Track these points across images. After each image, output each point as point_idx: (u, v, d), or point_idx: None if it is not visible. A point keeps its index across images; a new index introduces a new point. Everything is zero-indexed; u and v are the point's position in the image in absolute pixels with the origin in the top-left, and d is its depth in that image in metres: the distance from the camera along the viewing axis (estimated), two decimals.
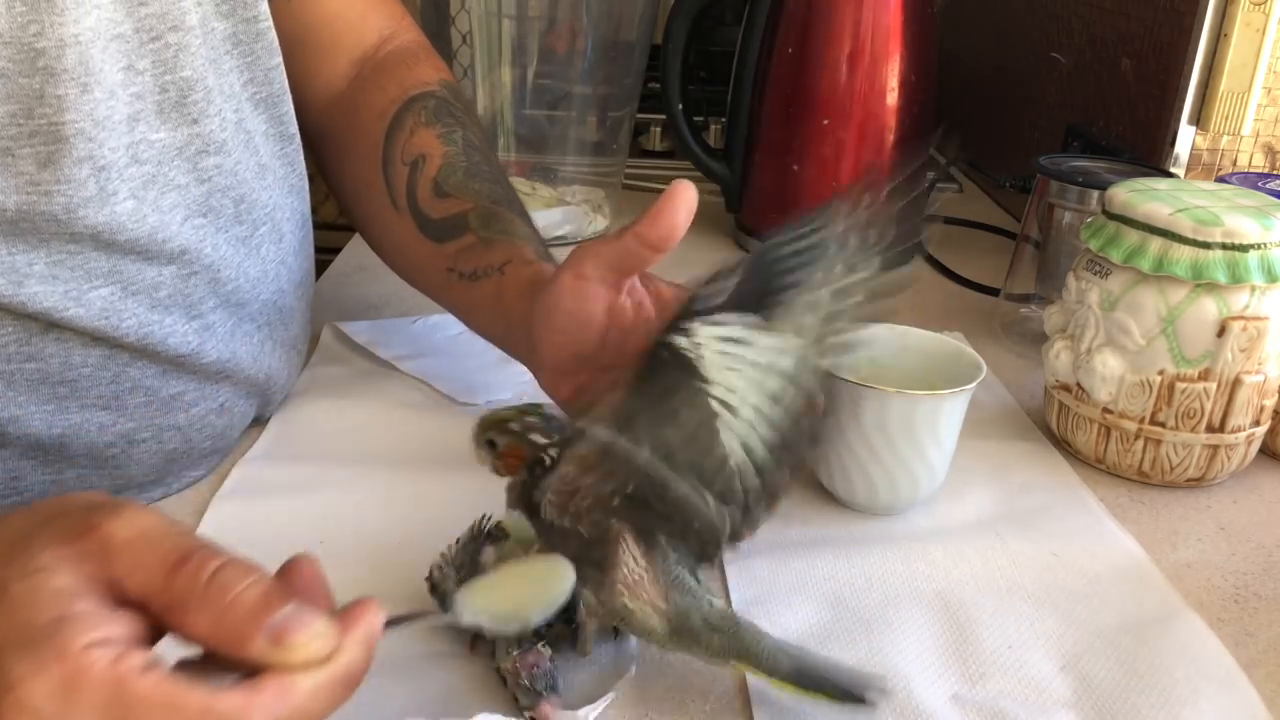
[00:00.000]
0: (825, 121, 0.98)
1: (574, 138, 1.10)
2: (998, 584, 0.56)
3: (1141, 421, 0.65)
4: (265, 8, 0.62)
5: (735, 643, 0.43)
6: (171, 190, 0.55)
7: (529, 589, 0.41)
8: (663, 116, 1.14)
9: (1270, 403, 0.66)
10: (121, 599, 0.33)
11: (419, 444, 0.67)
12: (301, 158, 0.67)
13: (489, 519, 0.51)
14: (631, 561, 0.43)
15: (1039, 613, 0.54)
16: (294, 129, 0.66)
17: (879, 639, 0.51)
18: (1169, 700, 0.48)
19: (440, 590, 0.47)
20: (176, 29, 0.54)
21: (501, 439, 0.46)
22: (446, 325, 0.81)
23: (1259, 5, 0.83)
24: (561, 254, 0.61)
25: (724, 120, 1.12)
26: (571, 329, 0.56)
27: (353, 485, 0.62)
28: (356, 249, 1.03)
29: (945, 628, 0.52)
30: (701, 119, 1.25)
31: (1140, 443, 0.66)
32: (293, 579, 0.35)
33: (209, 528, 0.58)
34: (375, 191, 0.70)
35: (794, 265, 0.46)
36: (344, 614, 0.34)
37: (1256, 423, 0.65)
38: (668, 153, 1.37)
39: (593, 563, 0.43)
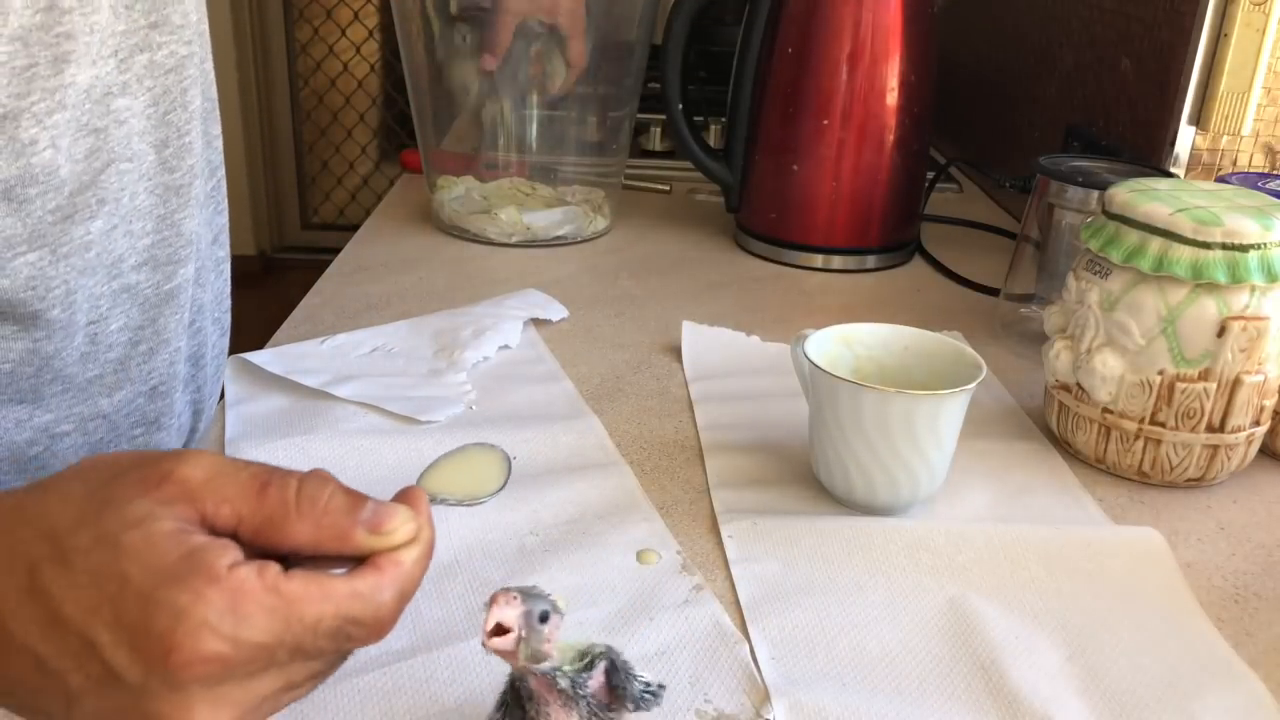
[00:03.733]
0: (825, 121, 0.98)
1: (574, 138, 1.10)
2: (1002, 571, 0.56)
3: (1141, 421, 0.65)
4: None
5: None
6: (91, 134, 0.52)
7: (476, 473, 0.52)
8: (663, 116, 1.14)
9: (1270, 403, 0.66)
10: (214, 531, 0.35)
11: (409, 470, 0.64)
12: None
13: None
14: None
15: (1044, 602, 0.54)
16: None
17: (887, 637, 0.51)
18: (1175, 692, 0.48)
19: None
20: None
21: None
22: (356, 344, 0.79)
23: (1259, 5, 0.83)
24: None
25: (724, 120, 1.12)
26: None
27: None
28: (356, 249, 1.04)
29: (953, 621, 0.52)
30: (701, 119, 1.25)
31: (1140, 443, 0.66)
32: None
33: None
34: None
35: None
36: (403, 498, 0.39)
37: (1256, 423, 0.65)
38: (668, 153, 1.37)
39: None
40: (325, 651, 0.36)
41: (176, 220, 0.59)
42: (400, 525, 0.37)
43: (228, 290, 0.70)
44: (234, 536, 0.35)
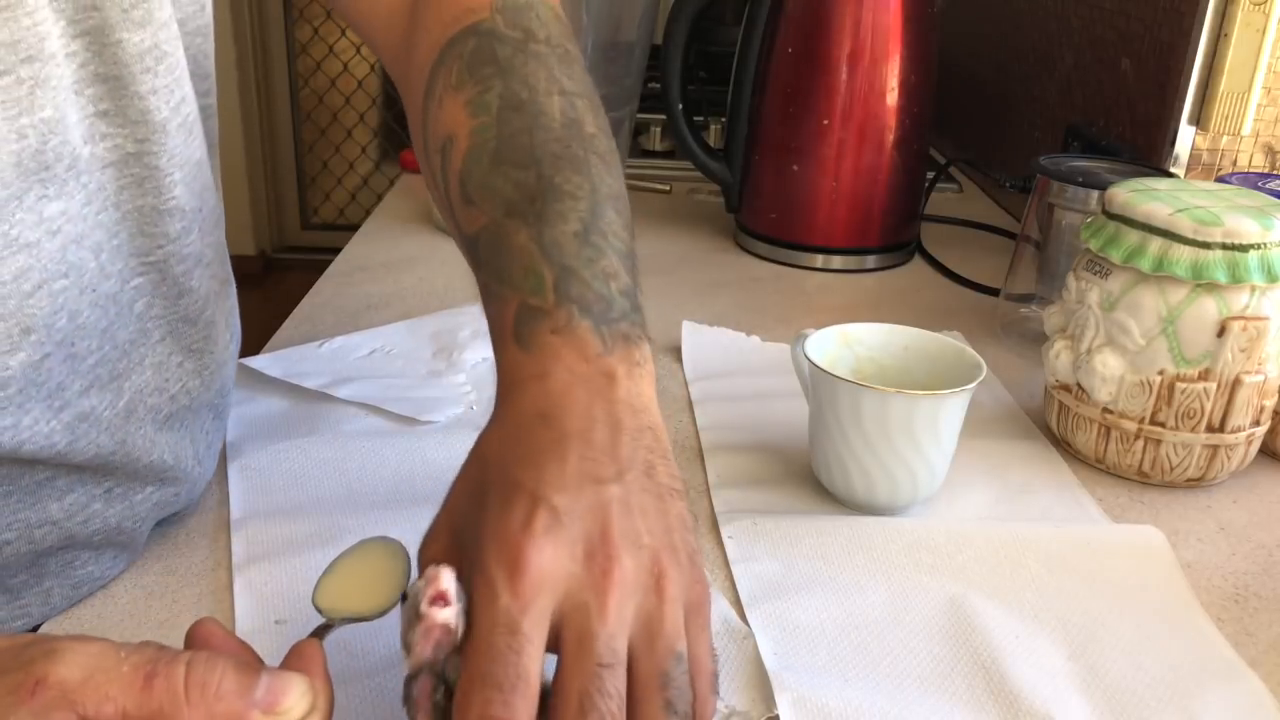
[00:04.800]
0: (825, 121, 0.98)
1: None
2: (1002, 571, 0.56)
3: (1141, 421, 0.65)
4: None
5: None
6: (19, 251, 0.44)
7: (374, 577, 0.43)
8: (663, 116, 1.14)
9: (1270, 403, 0.66)
10: None
11: (408, 471, 0.63)
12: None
13: None
14: None
15: (1044, 601, 0.54)
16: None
17: (887, 636, 0.51)
18: (1175, 692, 0.48)
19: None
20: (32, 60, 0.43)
21: None
22: (355, 346, 0.79)
23: (1259, 5, 0.83)
24: None
25: (724, 120, 1.12)
26: None
27: (359, 529, 0.53)
28: (356, 249, 1.04)
29: (953, 619, 0.52)
30: (701, 119, 1.25)
31: (1140, 443, 0.66)
32: (218, 646, 0.37)
33: (241, 604, 0.53)
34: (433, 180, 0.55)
35: None
36: (297, 661, 0.37)
37: (1256, 423, 0.65)
38: (668, 153, 1.37)
39: None
40: None
41: (116, 335, 0.50)
42: (296, 701, 0.35)
43: (230, 380, 0.62)
44: None
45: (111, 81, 0.47)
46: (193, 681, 0.33)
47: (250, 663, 0.35)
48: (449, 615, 0.37)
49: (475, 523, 0.40)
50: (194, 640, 0.38)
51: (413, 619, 0.37)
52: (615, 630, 0.37)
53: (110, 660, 0.33)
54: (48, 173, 0.44)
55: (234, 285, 0.61)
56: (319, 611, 0.41)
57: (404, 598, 0.39)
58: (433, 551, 0.41)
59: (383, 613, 0.41)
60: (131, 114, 0.48)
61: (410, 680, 0.38)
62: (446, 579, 0.37)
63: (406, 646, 0.38)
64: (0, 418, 0.44)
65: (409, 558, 0.42)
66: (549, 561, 0.37)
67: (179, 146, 0.51)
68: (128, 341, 0.51)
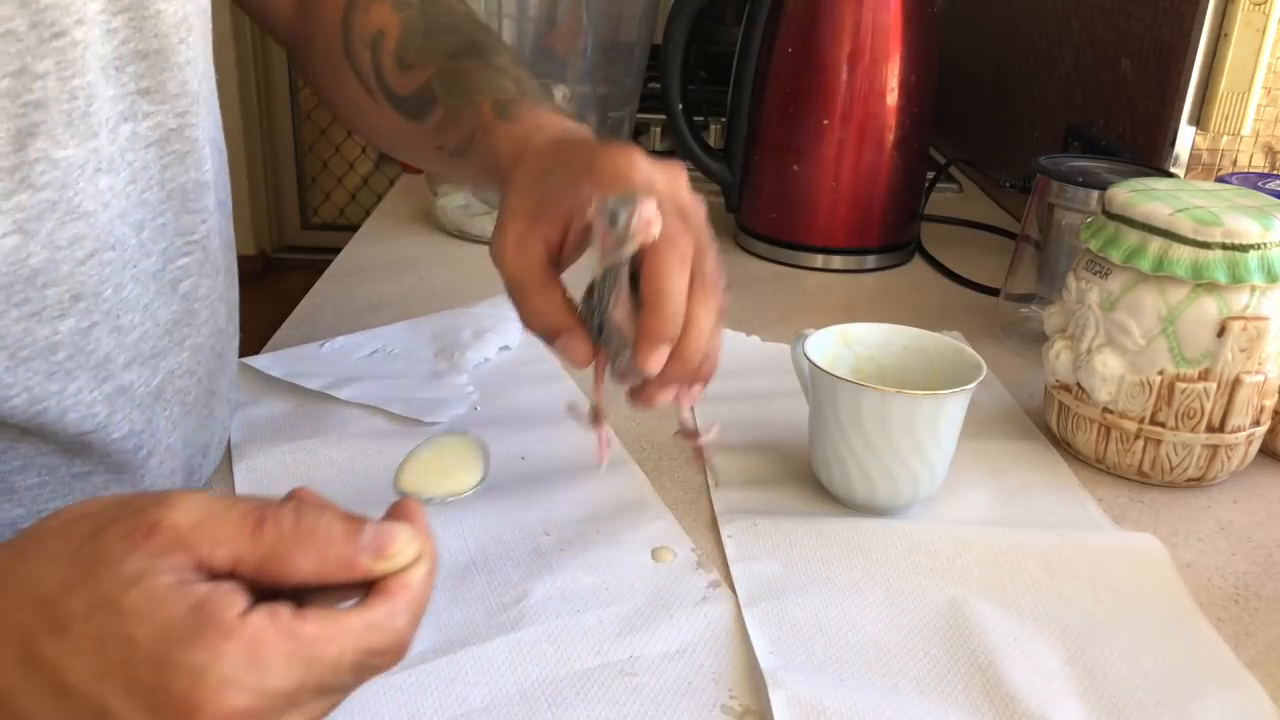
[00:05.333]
0: (825, 121, 0.98)
1: None
2: (1001, 574, 0.56)
3: (1141, 421, 0.65)
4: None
5: None
6: (79, 218, 0.46)
7: (453, 465, 0.49)
8: (663, 116, 1.14)
9: (1270, 403, 0.66)
10: (213, 575, 0.34)
11: None
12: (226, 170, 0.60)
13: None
14: None
15: (1043, 605, 0.54)
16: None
17: (885, 637, 0.51)
18: (1174, 696, 0.48)
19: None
20: (81, 23, 0.45)
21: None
22: (356, 346, 0.79)
23: (1259, 5, 0.83)
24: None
25: (724, 120, 1.12)
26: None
27: None
28: (356, 249, 1.04)
29: (951, 622, 0.52)
30: (701, 119, 1.25)
31: (1140, 443, 0.66)
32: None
33: None
34: (349, 83, 0.66)
35: None
36: (400, 514, 0.38)
37: (1256, 423, 0.65)
38: (668, 153, 1.37)
39: None
40: (348, 685, 0.35)
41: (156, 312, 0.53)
42: (404, 547, 0.36)
43: (235, 369, 0.64)
44: (232, 577, 0.34)
45: (152, 57, 0.49)
46: (302, 526, 0.34)
47: (355, 514, 0.36)
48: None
49: (565, 178, 0.51)
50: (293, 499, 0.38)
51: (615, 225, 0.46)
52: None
53: (220, 507, 0.34)
54: (96, 140, 0.46)
55: (237, 276, 0.63)
56: (402, 494, 0.43)
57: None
58: (518, 228, 0.51)
59: (460, 495, 0.47)
60: (172, 86, 0.51)
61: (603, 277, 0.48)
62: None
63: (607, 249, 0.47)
64: (50, 383, 0.46)
65: (485, 447, 0.51)
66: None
67: (209, 121, 0.54)
68: (170, 320, 0.53)
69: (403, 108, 0.63)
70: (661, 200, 0.47)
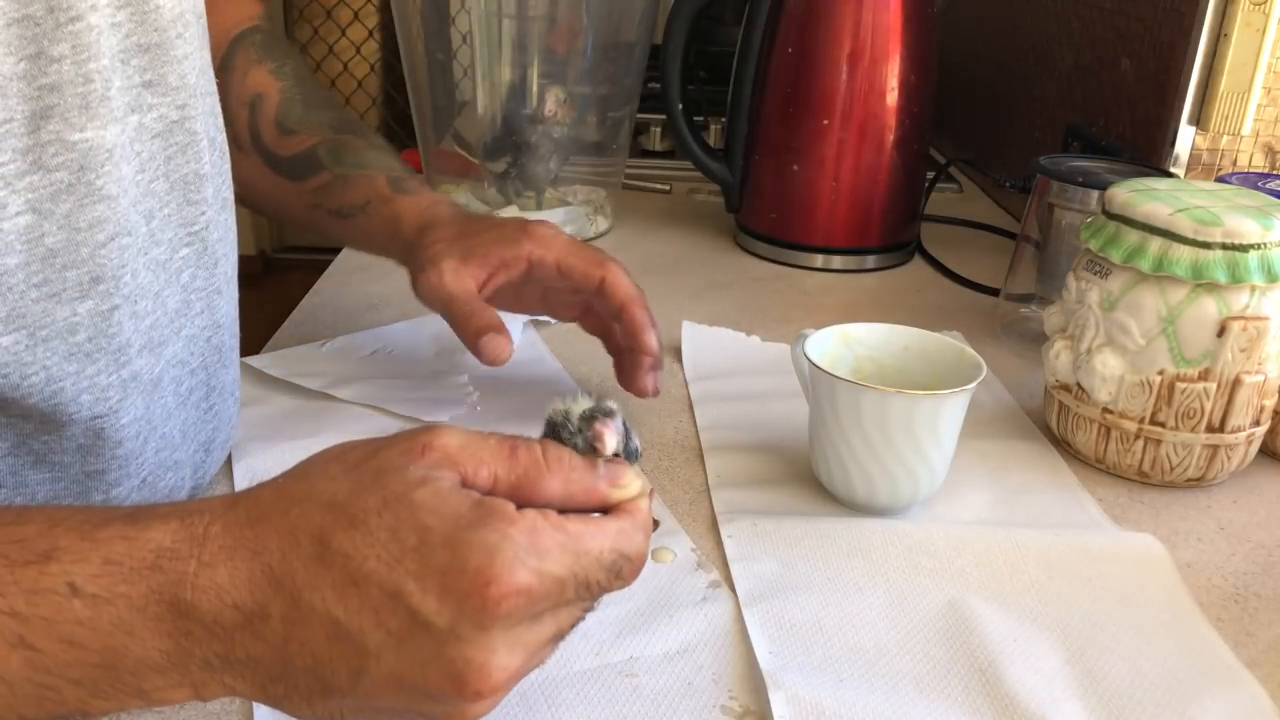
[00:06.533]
0: (825, 121, 0.98)
1: (574, 138, 1.10)
2: (1001, 575, 0.56)
3: (1141, 421, 0.65)
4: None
5: None
6: (99, 201, 0.46)
7: None
8: (663, 116, 1.14)
9: (1270, 403, 0.66)
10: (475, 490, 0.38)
11: None
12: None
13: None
14: None
15: (1043, 605, 0.54)
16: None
17: (884, 638, 0.51)
18: (1173, 697, 0.48)
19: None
20: (95, 8, 0.46)
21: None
22: (356, 346, 0.79)
23: (1259, 5, 0.83)
24: None
25: (724, 120, 1.12)
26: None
27: None
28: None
29: (951, 623, 0.52)
30: (701, 119, 1.25)
31: (1140, 443, 0.66)
32: None
33: None
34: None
35: None
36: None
37: (1256, 423, 0.65)
38: (668, 153, 1.37)
39: None
40: (601, 589, 0.39)
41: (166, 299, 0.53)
42: (633, 480, 0.41)
43: (237, 371, 0.64)
44: (491, 492, 0.38)
45: (154, 50, 0.50)
46: (549, 455, 0.40)
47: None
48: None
49: (496, 236, 0.67)
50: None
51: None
52: None
53: (478, 436, 0.39)
54: (114, 126, 0.47)
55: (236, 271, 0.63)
56: None
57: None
58: (452, 265, 0.65)
59: None
60: (172, 79, 0.51)
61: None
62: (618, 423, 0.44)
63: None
64: (68, 364, 0.47)
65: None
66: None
67: (209, 113, 0.55)
68: (174, 309, 0.54)
69: (279, 168, 0.72)
70: (619, 272, 0.66)
